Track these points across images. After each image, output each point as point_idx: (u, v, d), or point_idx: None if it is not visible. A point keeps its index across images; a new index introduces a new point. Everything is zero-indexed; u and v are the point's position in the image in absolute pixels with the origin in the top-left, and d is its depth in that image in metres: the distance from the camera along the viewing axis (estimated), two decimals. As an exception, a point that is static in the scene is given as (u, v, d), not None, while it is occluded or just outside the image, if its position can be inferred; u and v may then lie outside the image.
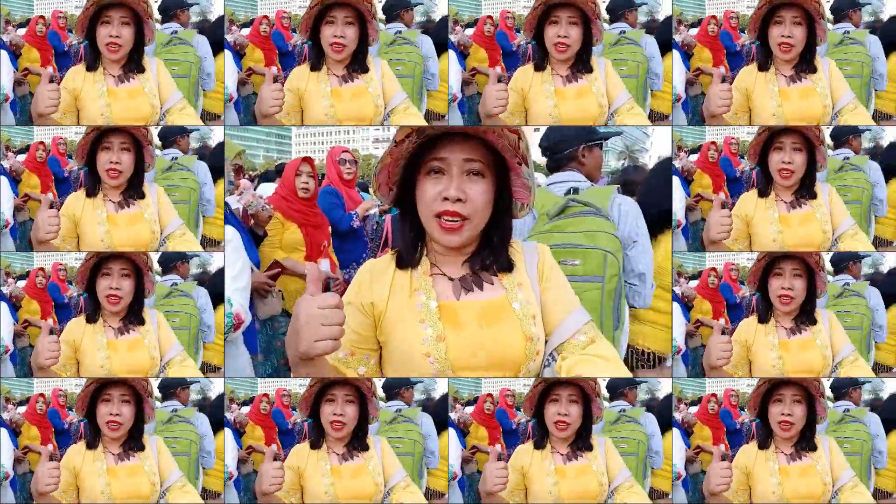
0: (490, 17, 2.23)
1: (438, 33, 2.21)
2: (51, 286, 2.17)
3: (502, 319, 1.40)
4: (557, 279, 1.47)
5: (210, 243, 2.21)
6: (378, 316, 1.42)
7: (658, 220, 2.52)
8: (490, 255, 1.43)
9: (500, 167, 1.41)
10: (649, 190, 2.78)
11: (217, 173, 2.22)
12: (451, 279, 1.43)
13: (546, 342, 1.43)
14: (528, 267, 1.46)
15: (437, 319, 1.38)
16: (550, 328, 1.43)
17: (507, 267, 1.44)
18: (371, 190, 1.49)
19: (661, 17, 2.22)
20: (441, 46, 2.21)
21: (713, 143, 2.22)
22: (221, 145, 2.21)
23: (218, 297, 2.19)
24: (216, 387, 2.17)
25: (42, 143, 2.18)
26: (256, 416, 2.18)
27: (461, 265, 1.44)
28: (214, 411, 2.17)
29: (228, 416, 2.18)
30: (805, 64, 2.17)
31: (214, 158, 2.22)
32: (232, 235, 2.31)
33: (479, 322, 1.39)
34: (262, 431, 2.18)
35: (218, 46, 2.19)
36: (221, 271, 2.19)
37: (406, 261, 1.44)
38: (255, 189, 2.34)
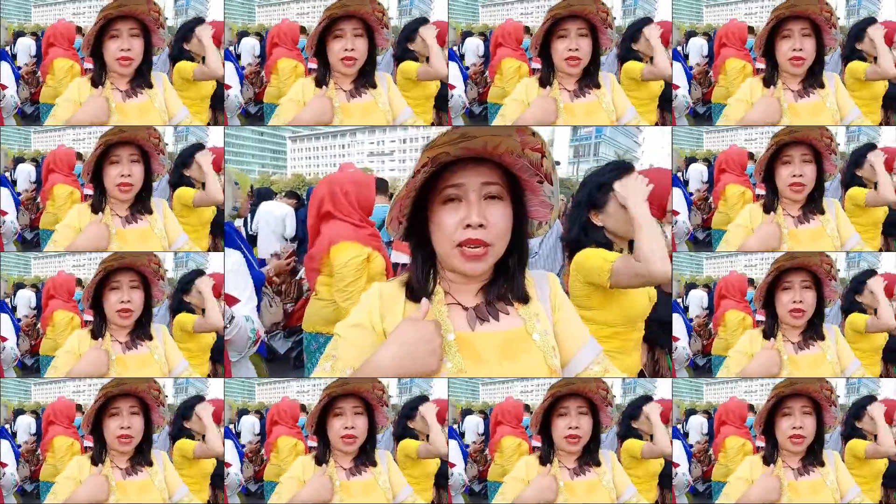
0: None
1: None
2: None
3: (524, 351, 1.35)
4: (568, 310, 1.43)
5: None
6: None
7: None
8: (506, 282, 1.37)
9: (516, 188, 1.35)
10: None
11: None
12: (465, 308, 1.37)
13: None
14: (541, 297, 1.41)
15: (456, 352, 1.33)
16: (564, 360, 1.40)
17: (524, 296, 1.38)
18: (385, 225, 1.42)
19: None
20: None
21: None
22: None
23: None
24: (213, 391, 2.11)
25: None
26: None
27: (475, 294, 1.38)
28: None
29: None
30: (813, 78, 2.14)
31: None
32: (239, 260, 2.27)
33: (500, 355, 1.35)
34: (302, 445, 2.09)
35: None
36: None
37: (419, 294, 1.35)
38: (252, 204, 2.33)
